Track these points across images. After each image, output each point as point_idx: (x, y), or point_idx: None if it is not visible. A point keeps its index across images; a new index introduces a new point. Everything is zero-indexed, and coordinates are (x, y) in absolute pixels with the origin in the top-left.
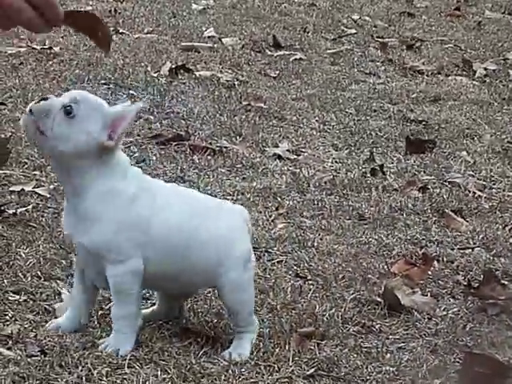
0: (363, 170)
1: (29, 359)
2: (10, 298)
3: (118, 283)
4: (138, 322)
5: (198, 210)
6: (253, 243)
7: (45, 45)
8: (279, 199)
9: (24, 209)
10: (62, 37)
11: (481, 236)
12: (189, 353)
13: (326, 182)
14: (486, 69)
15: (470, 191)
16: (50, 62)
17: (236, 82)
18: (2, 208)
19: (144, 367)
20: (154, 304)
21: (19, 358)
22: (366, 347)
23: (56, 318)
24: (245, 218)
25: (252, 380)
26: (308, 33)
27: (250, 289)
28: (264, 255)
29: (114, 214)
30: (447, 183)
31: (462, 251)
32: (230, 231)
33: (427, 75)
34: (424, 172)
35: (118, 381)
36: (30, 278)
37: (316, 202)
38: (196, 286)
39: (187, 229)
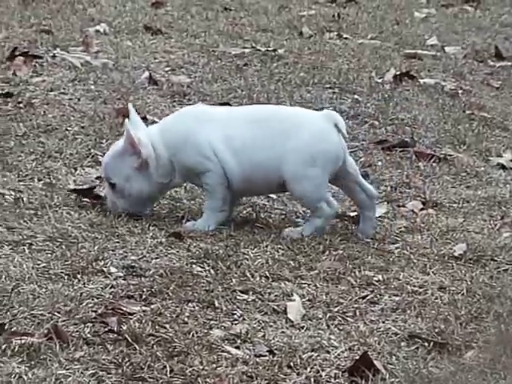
0: None
1: (257, 359)
2: (238, 297)
3: None
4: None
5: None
6: (478, 250)
7: (269, 47)
8: (504, 208)
9: (251, 209)
10: (286, 39)
11: None
12: (416, 357)
13: None
14: None
15: None
16: (275, 64)
17: (459, 91)
18: None
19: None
20: None
21: (247, 357)
22: None
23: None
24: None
25: None
26: None
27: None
28: (490, 263)
29: None
30: None
31: None
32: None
33: None
34: None
35: (347, 383)
36: (258, 278)
37: None
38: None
39: None
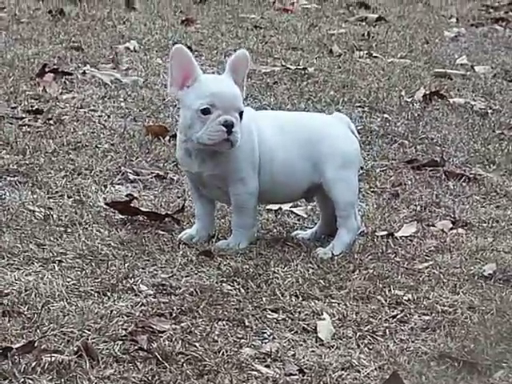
0: None
1: (287, 378)
2: (268, 315)
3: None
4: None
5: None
6: (508, 270)
7: (299, 65)
8: None
9: (281, 228)
10: (316, 58)
11: None
12: (446, 377)
13: None
14: None
15: None
16: (305, 83)
17: (489, 111)
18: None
19: None
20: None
21: (277, 376)
22: None
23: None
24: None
25: None
26: None
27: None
28: None
29: None
30: None
31: None
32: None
33: None
34: None
35: None
36: (288, 297)
37: None
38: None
39: None
